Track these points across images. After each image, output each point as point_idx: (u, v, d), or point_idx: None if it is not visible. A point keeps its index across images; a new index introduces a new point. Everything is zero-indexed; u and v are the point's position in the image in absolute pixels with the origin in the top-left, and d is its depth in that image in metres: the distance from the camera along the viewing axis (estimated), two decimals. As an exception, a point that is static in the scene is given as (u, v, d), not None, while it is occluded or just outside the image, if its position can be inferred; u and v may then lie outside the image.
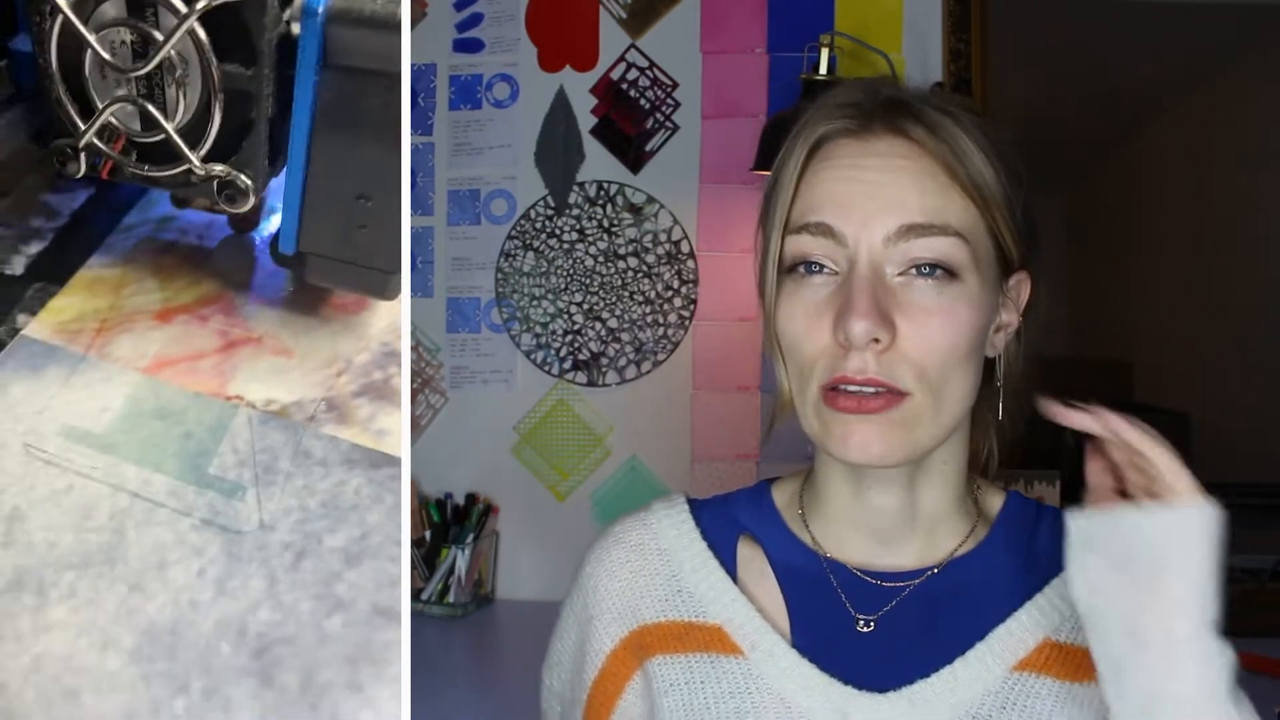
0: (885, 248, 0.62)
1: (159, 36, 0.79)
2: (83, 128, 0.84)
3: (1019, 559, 0.69)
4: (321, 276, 0.93)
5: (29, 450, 0.88)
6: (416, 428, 1.83)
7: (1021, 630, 0.66)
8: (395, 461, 0.89)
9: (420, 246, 1.84)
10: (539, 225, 1.81)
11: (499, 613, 1.76)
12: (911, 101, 0.65)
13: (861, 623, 0.67)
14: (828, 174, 0.64)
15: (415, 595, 1.69)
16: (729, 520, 0.73)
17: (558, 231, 1.81)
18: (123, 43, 0.81)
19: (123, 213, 1.12)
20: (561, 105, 1.80)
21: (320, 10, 0.77)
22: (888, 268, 0.62)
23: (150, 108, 0.82)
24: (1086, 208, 3.42)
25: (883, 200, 0.62)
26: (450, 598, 1.69)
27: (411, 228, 1.82)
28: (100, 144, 0.85)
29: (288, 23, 0.81)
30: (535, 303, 1.81)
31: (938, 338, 0.62)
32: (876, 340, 0.61)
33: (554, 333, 1.81)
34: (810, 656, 0.67)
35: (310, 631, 0.77)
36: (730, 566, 0.71)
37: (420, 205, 1.84)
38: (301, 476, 0.88)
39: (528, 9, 1.81)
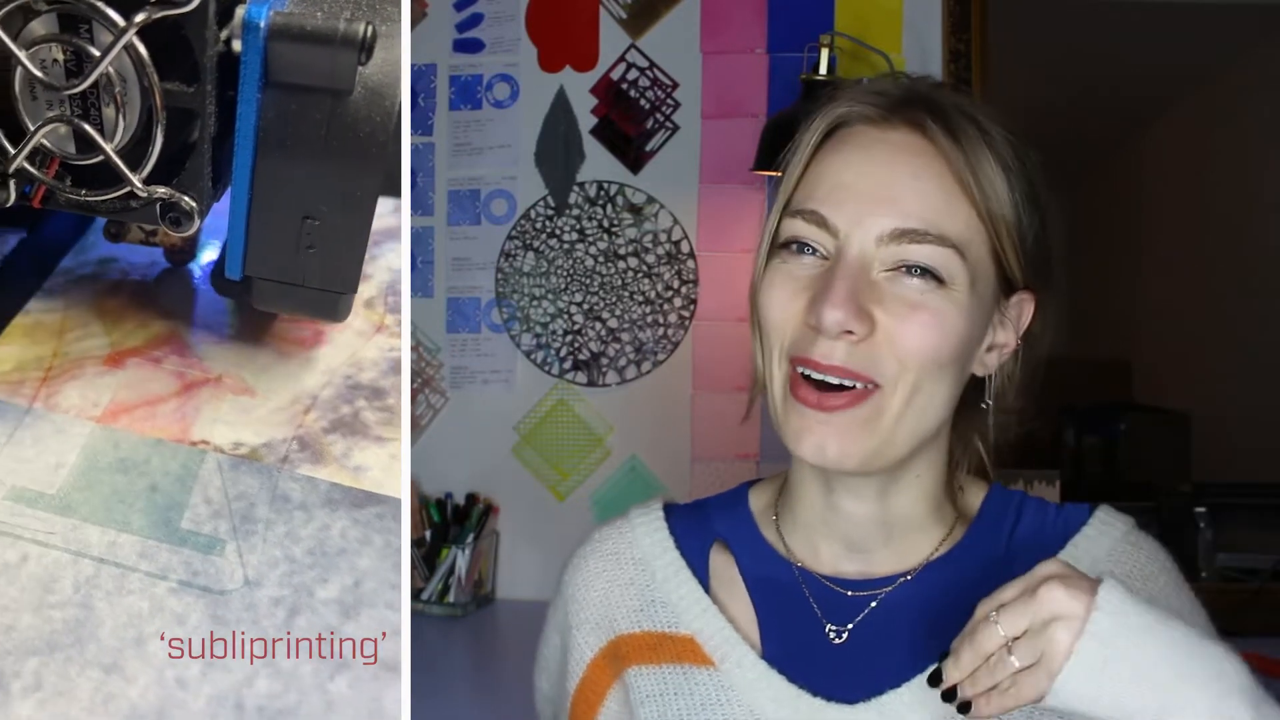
0: (877, 246, 0.60)
1: (95, 53, 0.74)
2: (12, 151, 0.78)
3: (996, 557, 0.67)
4: (269, 301, 0.88)
5: None
6: (416, 428, 1.83)
7: None
8: (380, 500, 0.83)
9: (420, 246, 1.84)
10: (539, 225, 1.81)
11: (499, 613, 1.76)
12: (940, 101, 0.63)
13: (833, 633, 0.66)
14: (835, 159, 0.63)
15: (415, 595, 1.69)
16: (704, 527, 0.72)
17: (558, 231, 1.81)
18: (55, 61, 0.76)
19: (58, 256, 1.04)
20: (561, 105, 1.80)
21: (262, 26, 0.74)
22: (875, 264, 0.60)
23: (87, 127, 0.77)
24: (1086, 208, 3.42)
25: (881, 198, 0.60)
26: (450, 598, 1.69)
27: (411, 228, 1.82)
28: (32, 169, 0.79)
29: (227, 41, 0.77)
30: (535, 303, 1.81)
31: (920, 335, 0.60)
32: (851, 333, 0.59)
33: (554, 333, 1.81)
34: (780, 668, 0.66)
35: (315, 697, 0.70)
36: (703, 575, 0.70)
37: (420, 205, 1.84)
38: (282, 523, 0.80)
39: (528, 9, 1.81)
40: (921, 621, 0.65)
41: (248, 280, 0.87)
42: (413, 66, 1.83)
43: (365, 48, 0.74)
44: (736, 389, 1.77)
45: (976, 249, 0.61)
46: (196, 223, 0.82)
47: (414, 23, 1.81)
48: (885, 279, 0.60)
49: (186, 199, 0.81)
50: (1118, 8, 2.35)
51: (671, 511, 0.73)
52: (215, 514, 0.81)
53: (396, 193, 1.14)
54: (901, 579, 0.66)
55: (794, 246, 0.62)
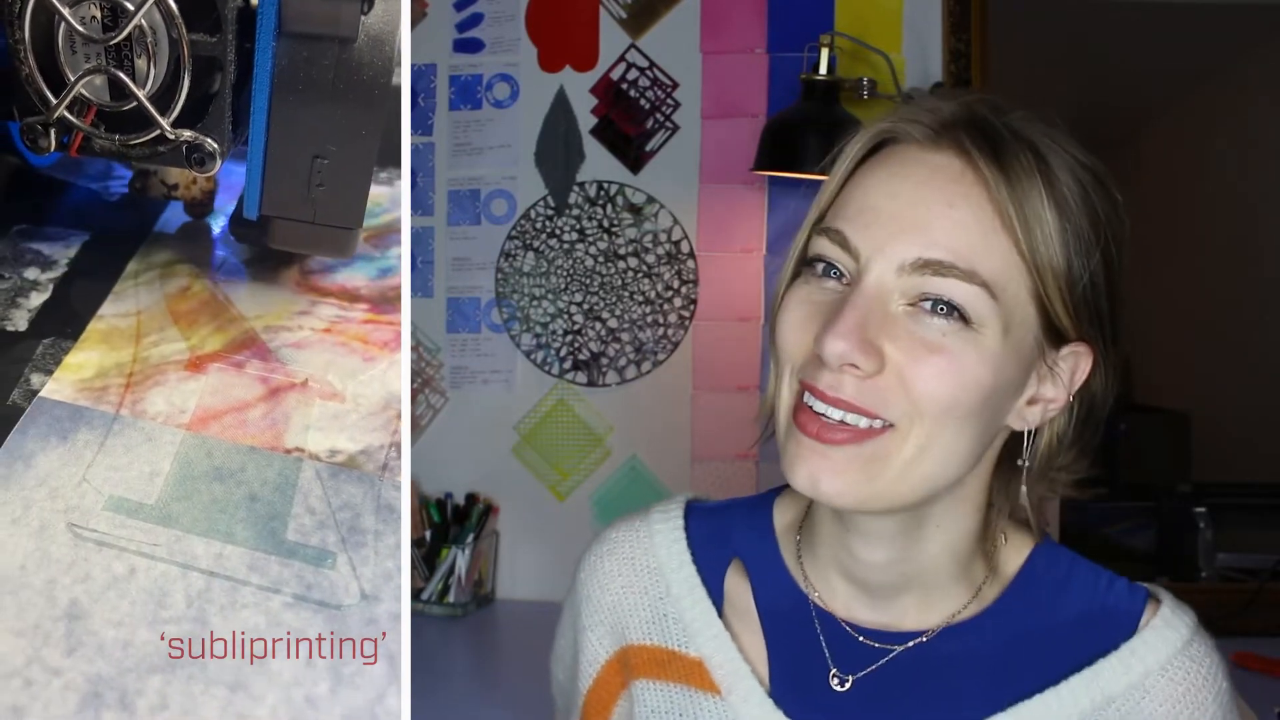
0: (898, 276, 0.55)
1: (130, 7, 0.83)
2: (54, 102, 0.87)
3: (1033, 632, 0.62)
4: (284, 240, 0.95)
5: (75, 530, 0.76)
6: (416, 428, 1.83)
7: None
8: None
9: (420, 246, 1.84)
10: (539, 225, 1.81)
11: (499, 613, 1.76)
12: (994, 124, 0.57)
13: (837, 680, 0.63)
14: (870, 178, 0.58)
15: (415, 595, 1.69)
16: (723, 540, 0.69)
17: (558, 231, 1.81)
18: (92, 18, 0.85)
19: (125, 258, 1.05)
20: (561, 105, 1.80)
21: None
22: (896, 295, 0.56)
23: (122, 76, 0.86)
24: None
25: (908, 224, 0.55)
26: (450, 598, 1.69)
27: (411, 228, 1.82)
28: (71, 117, 0.88)
29: None
30: (535, 303, 1.81)
31: (934, 381, 0.54)
32: (856, 367, 0.55)
33: (554, 333, 1.81)
34: (786, 708, 0.63)
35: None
36: (719, 595, 0.67)
37: (420, 205, 1.84)
38: (391, 534, 0.78)
39: (528, 9, 1.80)
40: (930, 688, 0.62)
41: (264, 223, 0.94)
42: (413, 66, 1.83)
43: None
44: (737, 389, 1.77)
45: (1014, 291, 0.55)
46: (218, 163, 0.90)
47: (414, 23, 1.81)
48: (905, 313, 0.55)
49: (210, 141, 0.89)
50: (1118, 8, 2.35)
51: (693, 516, 0.71)
52: (320, 524, 0.79)
53: (396, 162, 1.21)
54: (917, 640, 0.63)
55: (818, 267, 0.59)
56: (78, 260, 1.04)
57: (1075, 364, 0.59)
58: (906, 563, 0.61)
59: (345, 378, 0.92)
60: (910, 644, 0.63)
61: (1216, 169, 2.87)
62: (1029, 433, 0.60)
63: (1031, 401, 0.59)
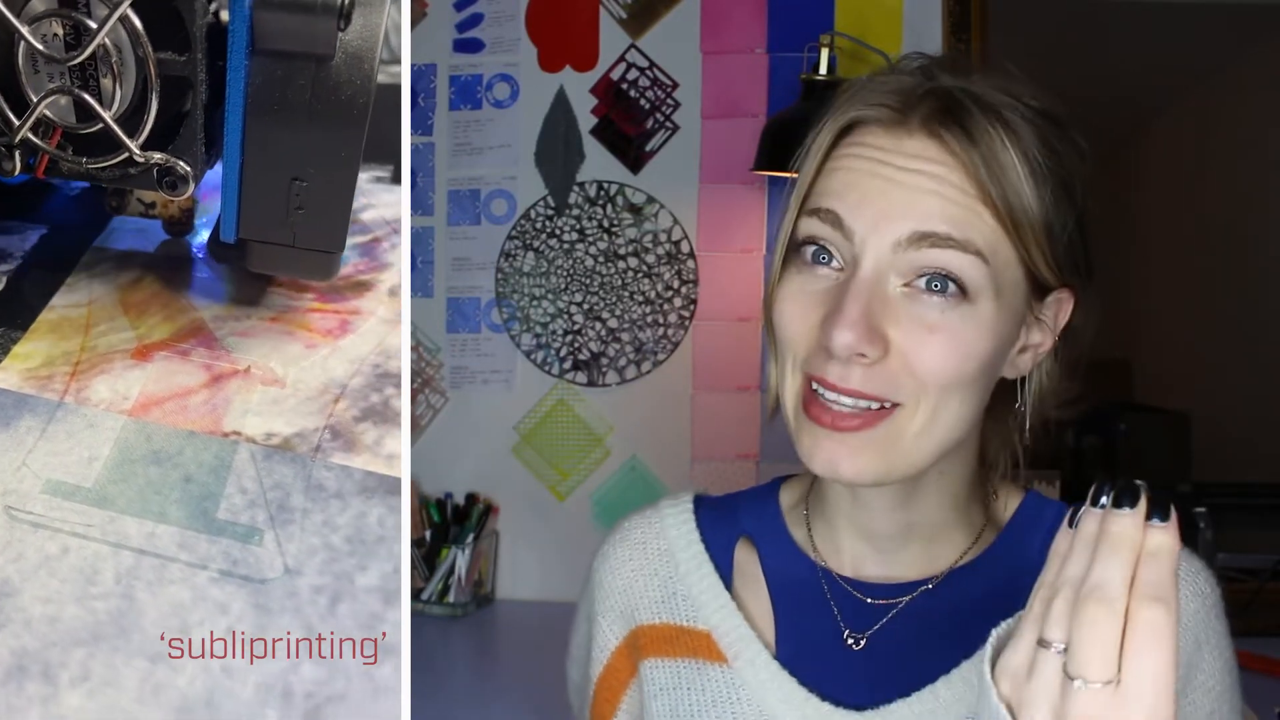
0: (894, 253, 0.57)
1: (93, 25, 0.79)
2: (16, 124, 0.84)
3: (1025, 567, 0.64)
4: (263, 263, 0.92)
5: (11, 513, 0.79)
6: (416, 428, 1.83)
7: None
8: (414, 487, 0.84)
9: (420, 246, 1.84)
10: (539, 225, 1.81)
11: (499, 613, 1.76)
12: (959, 97, 0.58)
13: (851, 640, 0.65)
14: (851, 161, 0.60)
15: (415, 595, 1.69)
16: (731, 521, 0.71)
17: (558, 231, 1.81)
18: (55, 35, 0.81)
19: (79, 251, 1.05)
20: (561, 105, 1.80)
21: None
22: (892, 276, 0.57)
23: (86, 96, 0.82)
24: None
25: (899, 202, 0.57)
26: (450, 598, 1.69)
27: (411, 228, 1.82)
28: (36, 139, 0.85)
29: (216, 11, 0.83)
30: (535, 303, 1.81)
31: (938, 358, 0.57)
32: (863, 355, 0.57)
33: (554, 333, 1.81)
34: (793, 669, 0.65)
35: (360, 683, 0.71)
36: (726, 571, 0.69)
37: (420, 205, 1.84)
38: (319, 512, 0.81)
39: (528, 9, 1.81)
40: (939, 631, 0.64)
41: (243, 245, 0.91)
42: (413, 66, 1.83)
43: (343, 14, 0.79)
44: (737, 389, 1.77)
45: (1003, 256, 0.58)
46: (191, 186, 0.87)
47: (414, 23, 1.81)
48: (903, 295, 0.57)
49: (181, 163, 0.85)
50: (1118, 8, 2.35)
51: (701, 504, 0.73)
52: (251, 504, 0.81)
53: (392, 163, 1.18)
54: (923, 588, 0.65)
55: (810, 254, 0.60)
56: (33, 253, 1.04)
57: (1059, 308, 0.62)
58: (914, 511, 0.64)
59: (287, 364, 0.94)
60: (916, 593, 0.65)
61: (1216, 169, 2.87)
62: (1023, 380, 0.63)
63: (1022, 350, 0.62)
